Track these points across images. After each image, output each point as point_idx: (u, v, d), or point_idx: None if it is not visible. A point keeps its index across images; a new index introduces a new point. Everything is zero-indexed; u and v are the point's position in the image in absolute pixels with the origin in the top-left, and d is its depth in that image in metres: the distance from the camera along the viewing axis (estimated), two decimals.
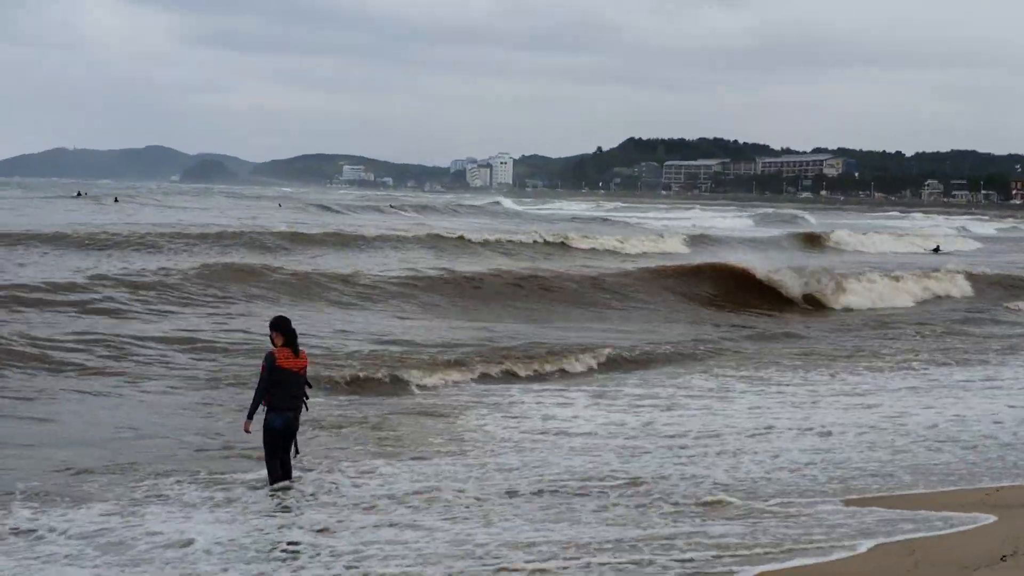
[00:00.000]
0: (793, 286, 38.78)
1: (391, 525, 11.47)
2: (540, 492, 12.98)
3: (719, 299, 37.67)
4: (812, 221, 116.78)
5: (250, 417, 12.71)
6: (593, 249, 56.61)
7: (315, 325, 26.02)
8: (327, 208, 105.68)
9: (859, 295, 39.46)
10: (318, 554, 10.50)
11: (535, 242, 56.02)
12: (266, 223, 61.71)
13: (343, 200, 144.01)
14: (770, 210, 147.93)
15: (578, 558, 10.42)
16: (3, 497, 12.12)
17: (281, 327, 12.92)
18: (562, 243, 57.03)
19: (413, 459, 14.52)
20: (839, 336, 30.52)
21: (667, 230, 74.23)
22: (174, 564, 10.19)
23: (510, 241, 55.13)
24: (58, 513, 11.60)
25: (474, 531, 11.35)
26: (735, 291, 38.56)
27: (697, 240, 65.17)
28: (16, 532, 11.01)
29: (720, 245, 64.59)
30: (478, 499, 12.60)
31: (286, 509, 12.06)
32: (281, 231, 52.43)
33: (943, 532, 11.45)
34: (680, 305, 36.38)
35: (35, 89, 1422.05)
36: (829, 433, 16.68)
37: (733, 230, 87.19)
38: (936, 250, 75.23)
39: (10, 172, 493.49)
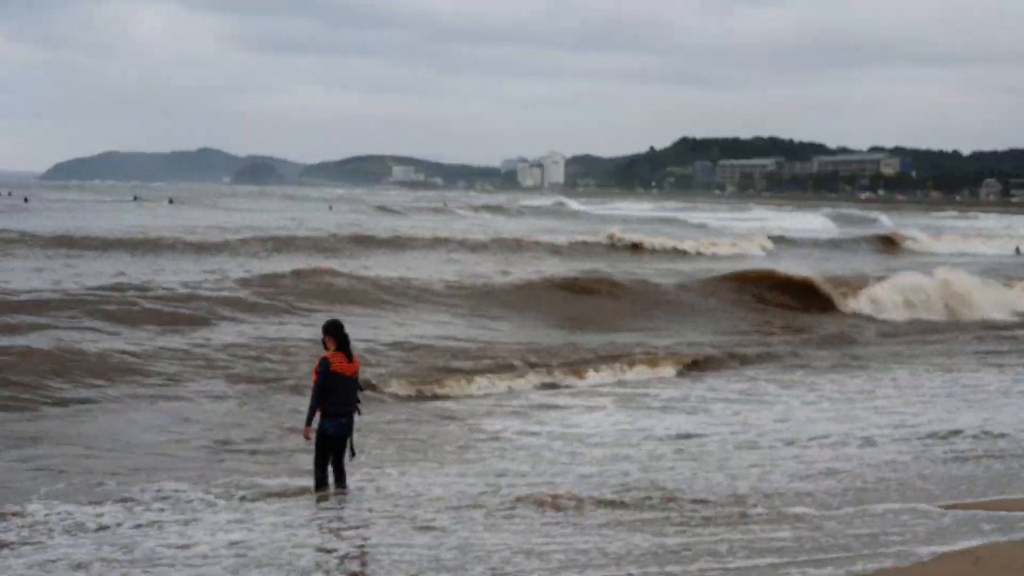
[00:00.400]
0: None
1: (424, 528, 11.39)
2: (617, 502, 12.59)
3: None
4: (888, 222, 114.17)
5: (308, 423, 12.60)
6: (677, 250, 56.76)
7: (410, 327, 26.87)
8: (387, 210, 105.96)
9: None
10: (355, 560, 10.43)
11: (613, 244, 56.10)
12: (350, 226, 62.71)
13: (399, 201, 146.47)
14: (842, 210, 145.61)
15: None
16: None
17: (333, 331, 12.74)
18: (637, 245, 56.81)
19: (454, 463, 14.63)
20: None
21: (749, 232, 73.32)
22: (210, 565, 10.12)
23: (585, 242, 55.66)
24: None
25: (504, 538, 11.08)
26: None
27: (778, 242, 64.59)
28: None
29: (801, 248, 63.53)
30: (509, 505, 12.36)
31: (330, 514, 12.04)
32: (383, 236, 53.67)
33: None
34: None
35: (88, 94, 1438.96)
36: None
37: (813, 231, 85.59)
38: (1017, 251, 72.02)
39: (65, 176, 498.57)
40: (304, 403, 14.44)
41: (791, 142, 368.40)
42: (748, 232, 74.08)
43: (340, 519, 11.83)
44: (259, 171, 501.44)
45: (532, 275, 37.71)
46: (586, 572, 9.96)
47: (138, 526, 11.39)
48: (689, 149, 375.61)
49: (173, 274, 33.49)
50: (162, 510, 12.00)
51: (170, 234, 47.62)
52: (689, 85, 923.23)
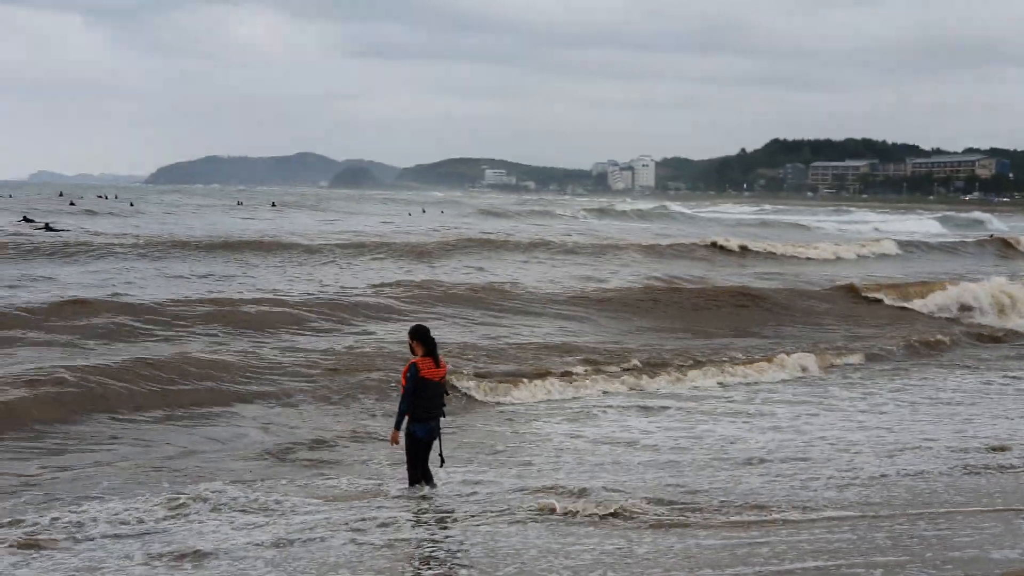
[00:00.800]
0: None
1: (511, 524, 11.86)
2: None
3: None
4: (1000, 224, 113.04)
5: (397, 427, 12.63)
6: (809, 258, 56.19)
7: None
8: (492, 213, 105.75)
9: None
10: (447, 554, 10.84)
11: (743, 249, 55.94)
12: (467, 228, 64.50)
13: (499, 204, 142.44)
14: (950, 212, 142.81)
15: None
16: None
17: (421, 337, 12.79)
18: (770, 252, 56.41)
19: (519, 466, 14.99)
20: None
21: (878, 235, 73.78)
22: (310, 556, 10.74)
23: (719, 246, 55.77)
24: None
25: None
26: None
27: (906, 246, 64.41)
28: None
29: (929, 251, 63.51)
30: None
31: (425, 513, 12.33)
32: (499, 239, 54.63)
33: None
34: None
35: (191, 100, 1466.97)
36: None
37: (926, 234, 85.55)
38: None
39: (169, 180, 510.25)
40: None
41: (884, 143, 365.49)
42: (873, 236, 74.83)
43: (433, 514, 12.19)
44: (356, 175, 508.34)
45: (656, 280, 38.63)
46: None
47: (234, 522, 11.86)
48: (780, 151, 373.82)
49: (309, 281, 35.51)
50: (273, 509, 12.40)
51: (300, 239, 50.24)
52: (781, 87, 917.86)
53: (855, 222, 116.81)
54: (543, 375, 21.79)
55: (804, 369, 24.74)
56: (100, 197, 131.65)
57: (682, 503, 12.85)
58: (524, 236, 59.89)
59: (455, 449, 15.49)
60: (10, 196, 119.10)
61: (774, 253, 55.98)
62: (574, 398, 20.85)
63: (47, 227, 56.27)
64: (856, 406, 20.42)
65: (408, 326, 14.20)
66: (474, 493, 13.16)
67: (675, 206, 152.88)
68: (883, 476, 14.46)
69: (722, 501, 12.94)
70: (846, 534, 11.64)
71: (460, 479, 13.78)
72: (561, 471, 14.60)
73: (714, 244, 56.18)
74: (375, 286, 33.83)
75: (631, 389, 21.82)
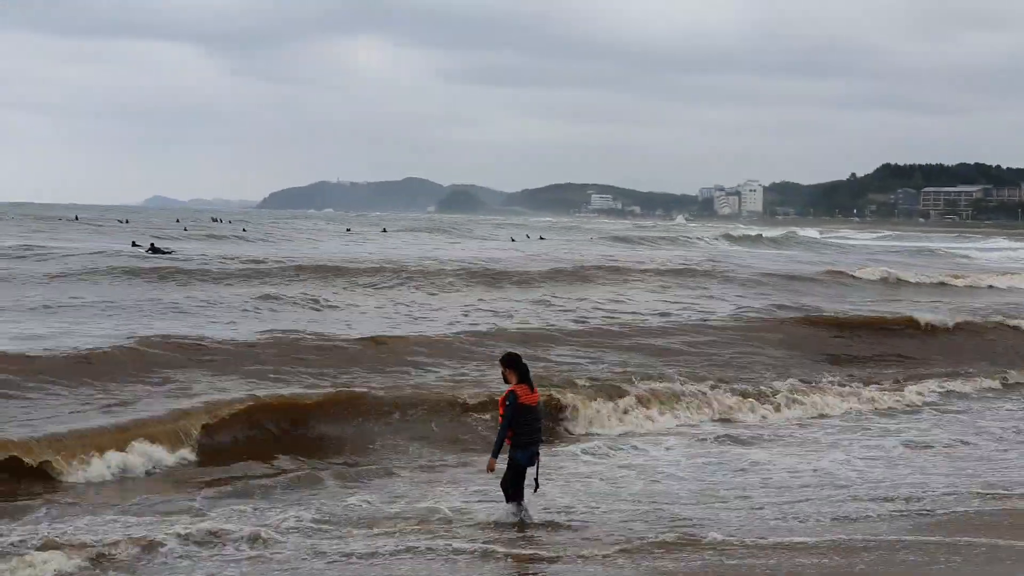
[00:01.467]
0: None
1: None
2: None
3: None
4: None
5: (495, 455, 12.65)
6: (991, 286, 53.69)
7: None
8: (621, 239, 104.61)
9: None
10: None
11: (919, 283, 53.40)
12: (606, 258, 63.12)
13: (621, 230, 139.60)
14: None
15: None
16: None
17: (514, 364, 12.86)
18: (942, 283, 53.93)
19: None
20: None
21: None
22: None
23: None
24: None
25: None
26: None
27: None
28: None
29: None
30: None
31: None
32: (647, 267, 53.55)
33: None
34: None
35: (302, 126, 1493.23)
36: None
37: None
38: None
39: (279, 205, 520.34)
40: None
41: (998, 168, 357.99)
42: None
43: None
44: (462, 200, 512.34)
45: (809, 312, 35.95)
46: None
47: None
48: (891, 175, 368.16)
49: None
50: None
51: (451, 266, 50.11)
52: (893, 110, 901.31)
53: (996, 248, 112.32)
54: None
55: None
56: (215, 220, 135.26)
57: None
58: (679, 263, 57.97)
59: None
60: (126, 222, 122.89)
61: (947, 284, 53.53)
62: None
63: (152, 248, 58.49)
64: None
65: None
66: None
67: (802, 232, 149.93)
68: None
69: None
70: None
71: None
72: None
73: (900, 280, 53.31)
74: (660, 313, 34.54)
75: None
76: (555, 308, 35.78)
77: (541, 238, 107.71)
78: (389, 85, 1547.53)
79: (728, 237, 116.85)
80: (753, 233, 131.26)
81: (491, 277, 46.05)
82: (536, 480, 12.89)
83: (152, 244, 60.97)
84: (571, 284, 45.19)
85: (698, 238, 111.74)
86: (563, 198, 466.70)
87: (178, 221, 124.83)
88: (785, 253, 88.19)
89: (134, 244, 64.14)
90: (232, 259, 52.21)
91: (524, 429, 12.60)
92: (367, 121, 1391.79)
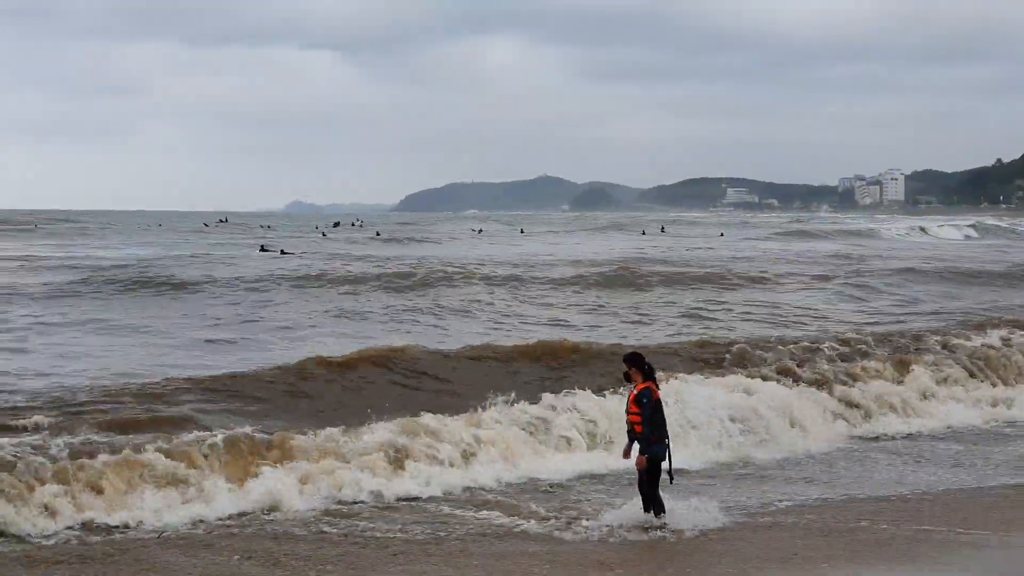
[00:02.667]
0: None
1: None
2: None
3: None
4: None
5: (643, 452, 12.99)
6: None
7: None
8: (805, 233, 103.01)
9: None
10: None
11: None
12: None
13: (791, 224, 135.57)
14: None
15: None
16: None
17: (639, 363, 13.14)
18: None
19: None
20: None
21: None
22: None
23: None
24: None
25: None
26: None
27: None
28: None
29: None
30: None
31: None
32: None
33: None
34: None
35: (436, 128, 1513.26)
36: None
37: None
38: None
39: (414, 207, 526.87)
40: None
41: None
42: None
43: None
44: (595, 197, 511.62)
45: None
46: None
47: None
48: None
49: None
50: None
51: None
52: None
53: None
54: None
55: None
56: (353, 225, 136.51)
57: None
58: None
59: None
60: (268, 227, 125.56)
61: None
62: None
63: (282, 252, 59.53)
64: None
65: None
66: None
67: (990, 220, 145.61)
68: None
69: None
70: None
71: None
72: None
73: None
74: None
75: None
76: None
77: (662, 229, 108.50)
78: (522, 84, 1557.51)
79: (922, 230, 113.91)
80: (938, 224, 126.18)
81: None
82: (670, 473, 13.18)
83: (282, 249, 61.91)
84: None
85: (896, 234, 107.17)
86: (698, 193, 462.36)
87: (316, 228, 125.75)
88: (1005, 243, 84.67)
89: (263, 249, 65.18)
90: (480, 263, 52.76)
91: (661, 425, 12.94)
92: (500, 121, 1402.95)
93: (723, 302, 37.56)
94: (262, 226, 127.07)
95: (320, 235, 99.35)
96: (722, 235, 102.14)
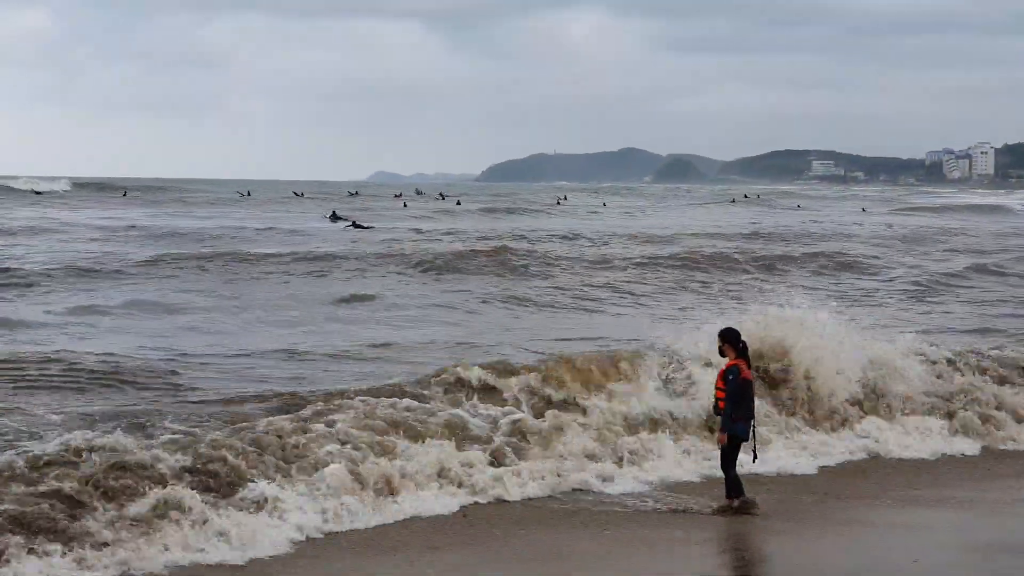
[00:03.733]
0: None
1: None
2: None
3: None
4: None
5: (723, 429, 12.87)
6: None
7: None
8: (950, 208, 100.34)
9: None
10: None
11: None
12: None
13: (898, 196, 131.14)
14: None
15: None
16: None
17: (733, 340, 13.03)
18: None
19: None
20: None
21: None
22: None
23: None
24: None
25: None
26: None
27: None
28: None
29: None
30: None
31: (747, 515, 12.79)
32: None
33: None
34: None
35: (520, 100, 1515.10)
36: None
37: None
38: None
39: (498, 178, 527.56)
40: None
41: None
42: None
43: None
44: (679, 169, 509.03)
45: None
46: None
47: None
48: None
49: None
50: None
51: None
52: None
53: None
54: None
55: None
56: (439, 197, 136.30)
57: None
58: None
59: None
60: (356, 193, 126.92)
61: None
62: None
63: (354, 225, 60.15)
64: None
65: None
66: None
67: None
68: None
69: None
70: None
71: None
72: None
73: None
74: None
75: None
76: None
77: (745, 196, 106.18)
78: (604, 56, 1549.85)
79: None
80: None
81: None
82: (754, 451, 13.08)
83: (354, 221, 62.44)
84: None
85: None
86: (782, 165, 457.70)
87: (399, 195, 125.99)
88: None
89: (334, 216, 65.16)
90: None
91: (746, 404, 12.78)
92: (583, 92, 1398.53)
93: None
94: (350, 192, 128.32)
95: (402, 205, 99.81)
96: (864, 211, 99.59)
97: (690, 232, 57.39)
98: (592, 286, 33.36)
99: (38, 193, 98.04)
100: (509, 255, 39.78)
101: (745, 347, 13.00)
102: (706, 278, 36.79)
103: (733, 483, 12.92)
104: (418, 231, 56.69)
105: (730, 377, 12.74)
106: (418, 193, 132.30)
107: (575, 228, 60.41)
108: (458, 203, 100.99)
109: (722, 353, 13.14)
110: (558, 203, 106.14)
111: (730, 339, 13.00)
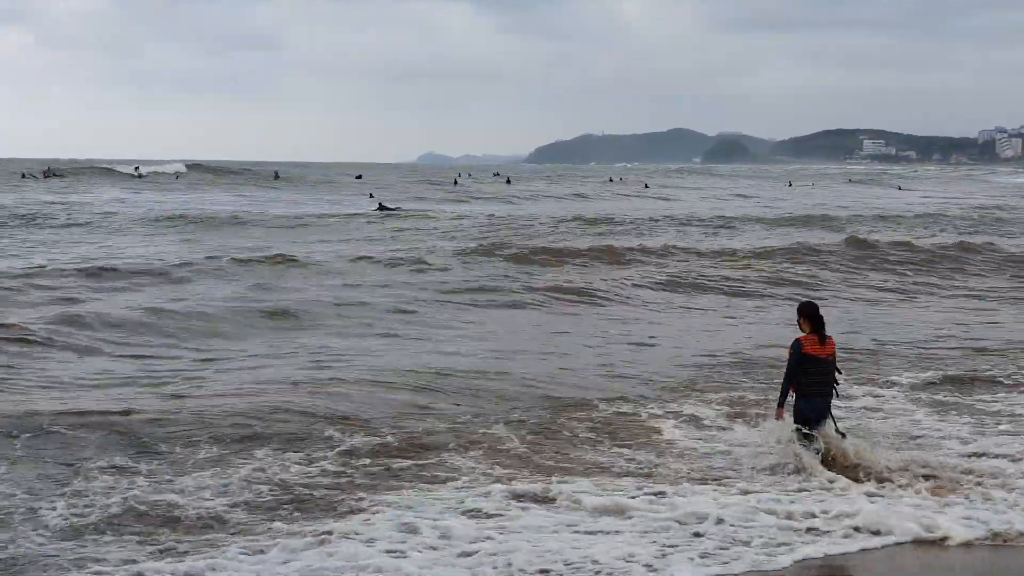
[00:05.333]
0: None
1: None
2: None
3: None
4: None
5: (780, 405, 12.55)
6: None
7: None
8: None
9: None
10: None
11: None
12: None
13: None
14: None
15: None
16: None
17: (808, 313, 12.69)
18: None
19: None
20: None
21: None
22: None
23: None
24: None
25: None
26: None
27: None
28: None
29: None
30: None
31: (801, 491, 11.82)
32: None
33: None
34: None
35: (569, 81, 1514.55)
36: None
37: None
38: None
39: (547, 159, 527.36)
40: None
41: None
42: None
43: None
44: (729, 149, 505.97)
45: None
46: None
47: None
48: None
49: None
50: None
51: None
52: None
53: None
54: None
55: None
56: (495, 175, 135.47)
57: None
58: None
59: None
60: (360, 176, 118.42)
61: None
62: None
63: (380, 207, 60.51)
64: None
65: None
66: None
67: None
68: None
69: None
70: None
71: None
72: None
73: None
74: None
75: None
76: None
77: (790, 184, 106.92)
78: (655, 36, 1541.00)
79: None
80: None
81: None
82: (838, 430, 12.60)
83: (380, 203, 62.80)
84: None
85: None
86: (833, 144, 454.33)
87: (456, 182, 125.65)
88: None
89: (377, 205, 65.63)
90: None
91: (809, 380, 12.45)
92: (631, 73, 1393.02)
93: None
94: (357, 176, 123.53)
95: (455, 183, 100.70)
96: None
97: (851, 214, 57.38)
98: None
99: (139, 176, 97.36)
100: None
101: (822, 322, 12.65)
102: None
103: (797, 458, 12.50)
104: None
105: (792, 351, 12.52)
106: (469, 176, 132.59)
107: (699, 213, 59.21)
108: (508, 181, 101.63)
109: (801, 327, 12.79)
110: (614, 179, 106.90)
111: (805, 313, 12.74)
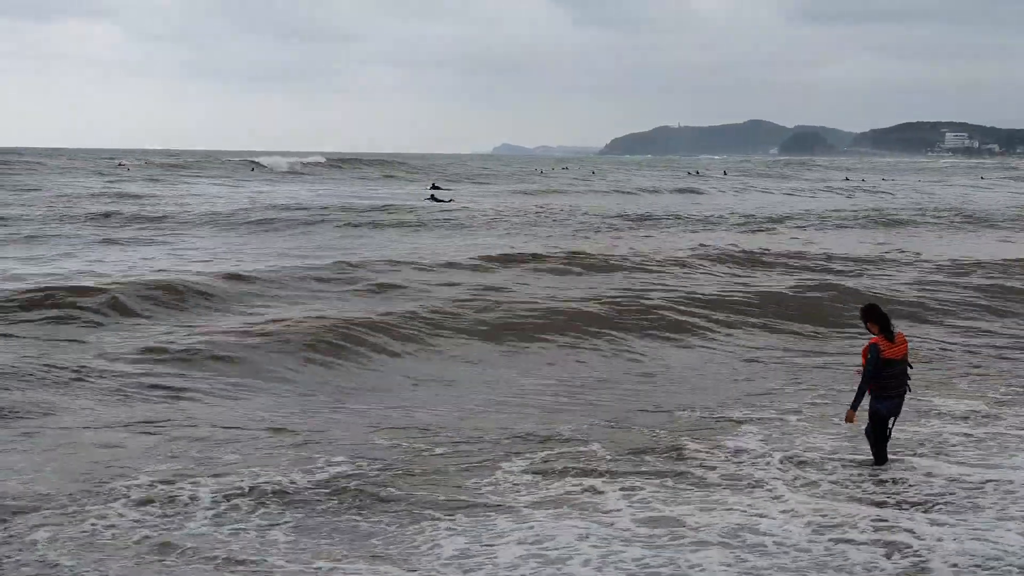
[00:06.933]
0: None
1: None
2: None
3: None
4: None
5: (854, 407, 12.56)
6: None
7: None
8: None
9: None
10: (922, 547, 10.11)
11: None
12: None
13: None
14: None
15: None
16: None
17: (874, 316, 12.75)
18: None
19: None
20: None
21: None
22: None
23: None
24: None
25: None
26: None
27: None
28: None
29: None
30: None
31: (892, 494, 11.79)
32: None
33: None
34: None
35: (645, 72, 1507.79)
36: None
37: None
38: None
39: (621, 151, 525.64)
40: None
41: None
42: None
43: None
44: (806, 141, 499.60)
45: None
46: None
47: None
48: None
49: None
50: None
51: None
52: None
53: None
54: None
55: None
56: (564, 168, 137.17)
57: None
58: None
59: None
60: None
61: None
62: None
63: (433, 198, 60.26)
64: None
65: None
66: None
67: None
68: None
69: None
70: None
71: None
72: None
73: None
74: None
75: None
76: None
77: (862, 180, 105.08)
78: (732, 26, 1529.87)
79: None
80: None
81: None
82: (889, 429, 12.73)
83: (433, 194, 62.71)
84: None
85: None
86: (914, 137, 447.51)
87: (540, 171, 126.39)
88: None
89: (433, 197, 64.51)
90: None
91: (887, 383, 12.56)
92: (708, 64, 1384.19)
93: None
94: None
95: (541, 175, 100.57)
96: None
97: None
98: None
99: (258, 167, 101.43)
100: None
101: (888, 322, 12.71)
102: None
103: (879, 457, 12.78)
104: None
105: (870, 356, 12.50)
106: (564, 169, 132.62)
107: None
108: (565, 168, 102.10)
109: (869, 331, 12.84)
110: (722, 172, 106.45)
111: (871, 316, 12.77)
